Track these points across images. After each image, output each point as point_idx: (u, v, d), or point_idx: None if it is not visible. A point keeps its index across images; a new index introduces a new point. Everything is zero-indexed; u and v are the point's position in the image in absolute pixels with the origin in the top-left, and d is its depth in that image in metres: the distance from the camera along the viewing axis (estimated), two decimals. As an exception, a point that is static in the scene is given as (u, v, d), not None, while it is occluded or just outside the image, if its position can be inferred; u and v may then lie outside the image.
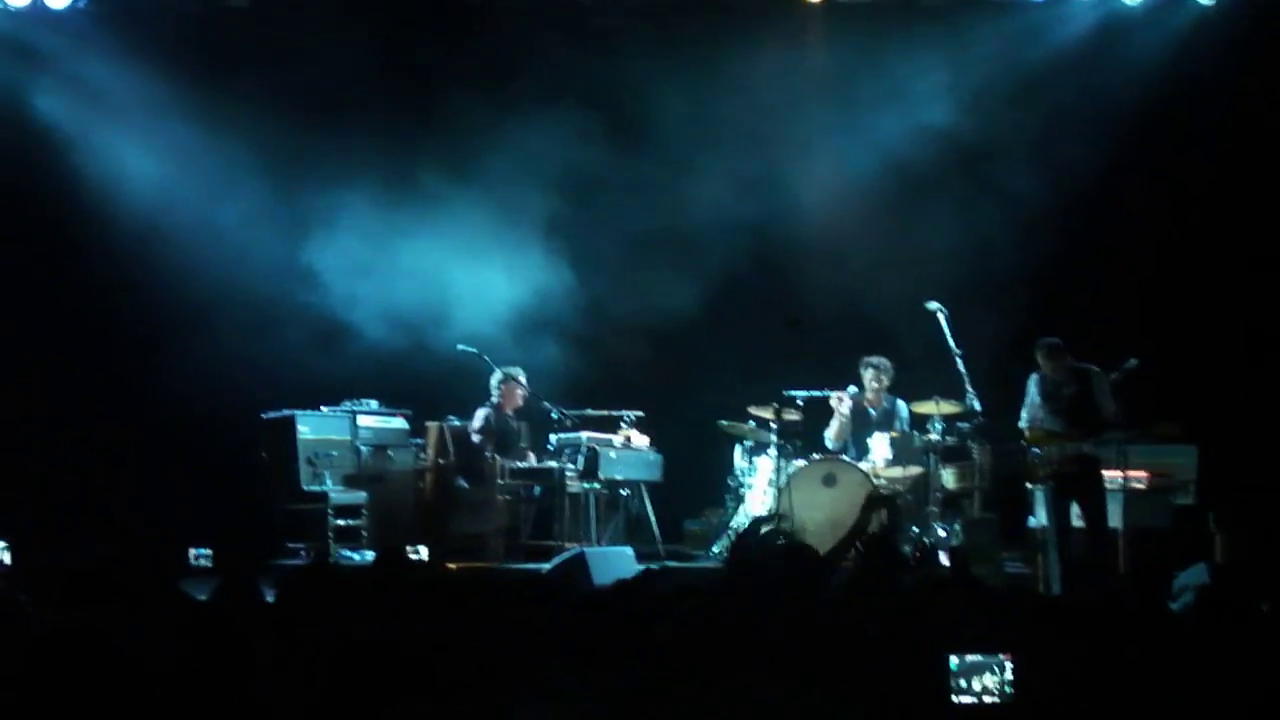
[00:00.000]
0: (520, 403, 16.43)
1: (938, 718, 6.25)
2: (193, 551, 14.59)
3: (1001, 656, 6.24)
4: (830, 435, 16.28)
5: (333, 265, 16.92)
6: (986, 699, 6.23)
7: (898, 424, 16.21)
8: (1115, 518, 14.50)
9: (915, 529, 15.44)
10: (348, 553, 15.40)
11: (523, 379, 16.34)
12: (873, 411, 16.29)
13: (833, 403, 16.23)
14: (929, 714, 6.23)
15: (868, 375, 16.22)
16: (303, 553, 15.42)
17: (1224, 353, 16.63)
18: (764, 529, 14.46)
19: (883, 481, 15.61)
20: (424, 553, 15.05)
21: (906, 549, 14.29)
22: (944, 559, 14.57)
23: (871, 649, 6.48)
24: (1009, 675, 6.23)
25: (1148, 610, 7.49)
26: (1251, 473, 15.80)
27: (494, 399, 16.35)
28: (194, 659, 6.58)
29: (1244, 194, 16.72)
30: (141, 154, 17.05)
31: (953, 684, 6.25)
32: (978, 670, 6.25)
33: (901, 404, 16.28)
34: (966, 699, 6.24)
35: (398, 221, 17.08)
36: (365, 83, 17.07)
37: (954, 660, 6.26)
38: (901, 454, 15.79)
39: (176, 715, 6.28)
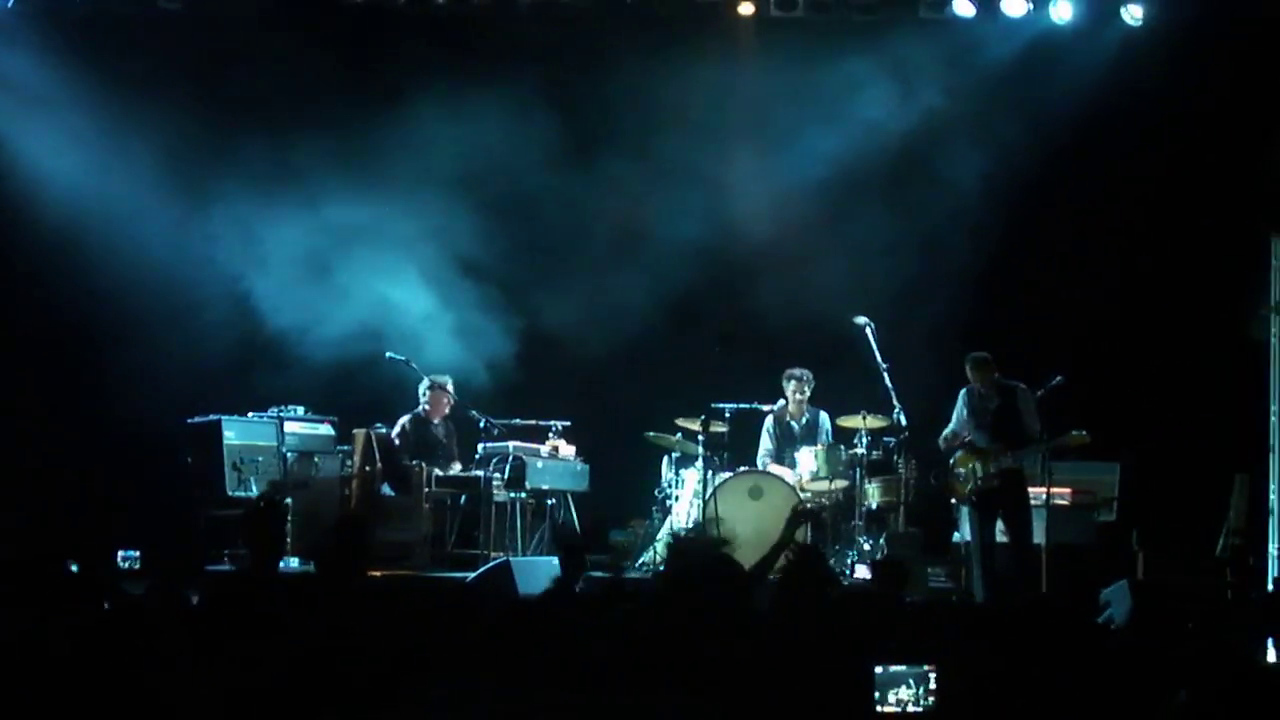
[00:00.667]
0: (447, 410, 16.37)
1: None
2: (120, 553, 14.50)
3: (925, 667, 6.28)
4: (761, 458, 16.32)
5: (261, 271, 16.86)
6: (910, 709, 6.28)
7: (822, 436, 16.27)
8: (1039, 534, 14.64)
9: (838, 544, 15.53)
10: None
11: (450, 387, 16.30)
12: (795, 425, 16.34)
13: (765, 426, 16.34)
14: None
15: (790, 387, 16.25)
16: (226, 558, 15.34)
17: (1147, 371, 16.77)
18: (700, 538, 14.52)
19: (808, 495, 15.66)
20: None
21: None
22: (866, 573, 14.66)
23: (797, 661, 6.51)
24: (932, 685, 6.28)
25: (1073, 624, 7.54)
26: (1173, 490, 15.95)
27: (421, 406, 16.30)
28: (113, 659, 6.55)
29: (1171, 212, 16.84)
30: (68, 156, 16.89)
31: (878, 694, 6.29)
32: (901, 681, 6.29)
33: (824, 415, 16.34)
34: (890, 709, 6.29)
35: (327, 230, 17.01)
36: (299, 88, 16.99)
37: (878, 670, 6.30)
38: (827, 467, 15.83)
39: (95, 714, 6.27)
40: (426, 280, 16.93)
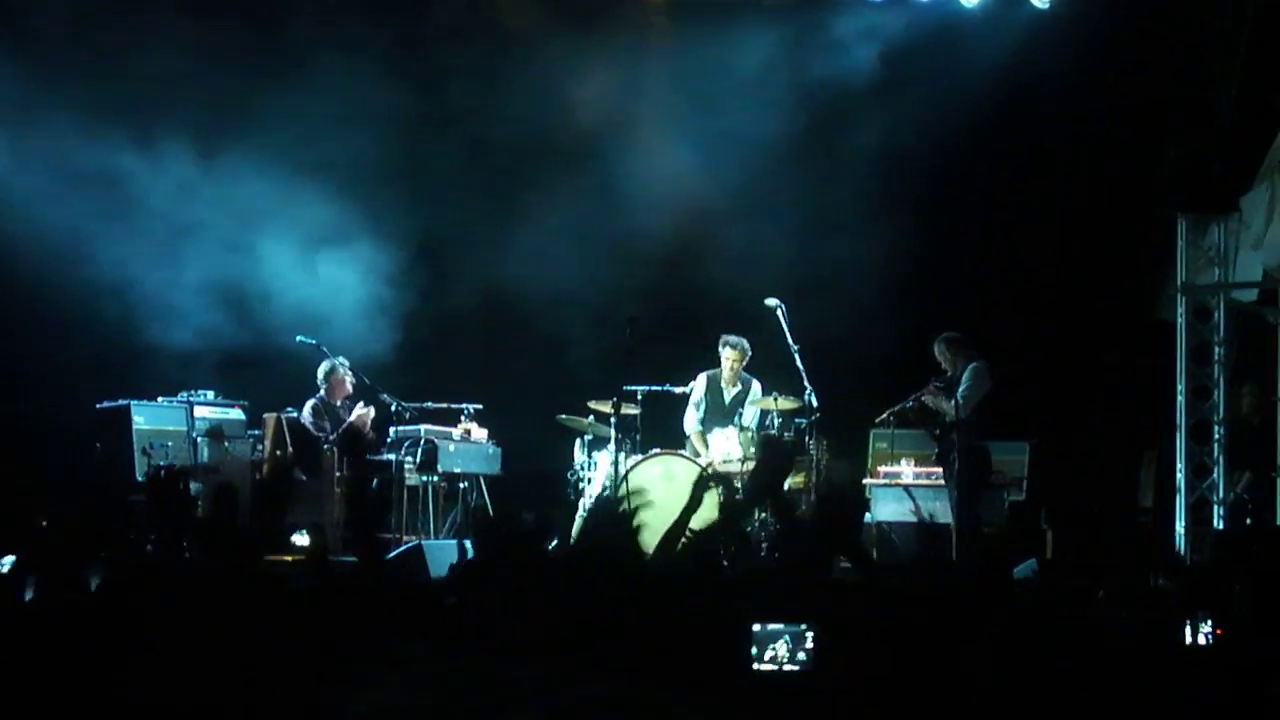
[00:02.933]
0: (350, 391, 16.26)
1: (738, 685, 6.32)
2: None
3: (803, 626, 6.33)
4: (687, 423, 16.34)
5: (170, 253, 16.75)
6: (786, 667, 6.32)
7: (752, 395, 16.20)
8: (947, 513, 14.77)
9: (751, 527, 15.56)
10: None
11: (347, 367, 16.18)
12: (726, 392, 16.30)
13: (695, 390, 16.34)
14: (729, 682, 6.30)
15: (725, 354, 16.21)
16: (149, 544, 15.19)
17: (1055, 350, 16.90)
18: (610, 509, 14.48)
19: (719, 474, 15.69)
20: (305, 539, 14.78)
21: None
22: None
23: (674, 621, 6.54)
24: (809, 644, 6.33)
25: (986, 595, 7.56)
26: (1081, 469, 16.10)
27: (322, 390, 16.21)
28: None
29: (1077, 195, 16.96)
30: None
31: (754, 651, 6.34)
32: (778, 637, 6.34)
33: (756, 385, 16.29)
34: (766, 666, 6.33)
35: (235, 210, 16.90)
36: (197, 65, 16.80)
37: (755, 628, 6.35)
38: (740, 449, 15.84)
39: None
40: (335, 263, 16.87)
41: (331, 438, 15.88)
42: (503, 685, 5.91)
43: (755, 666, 6.34)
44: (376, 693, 6.02)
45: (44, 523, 13.07)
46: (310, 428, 16.04)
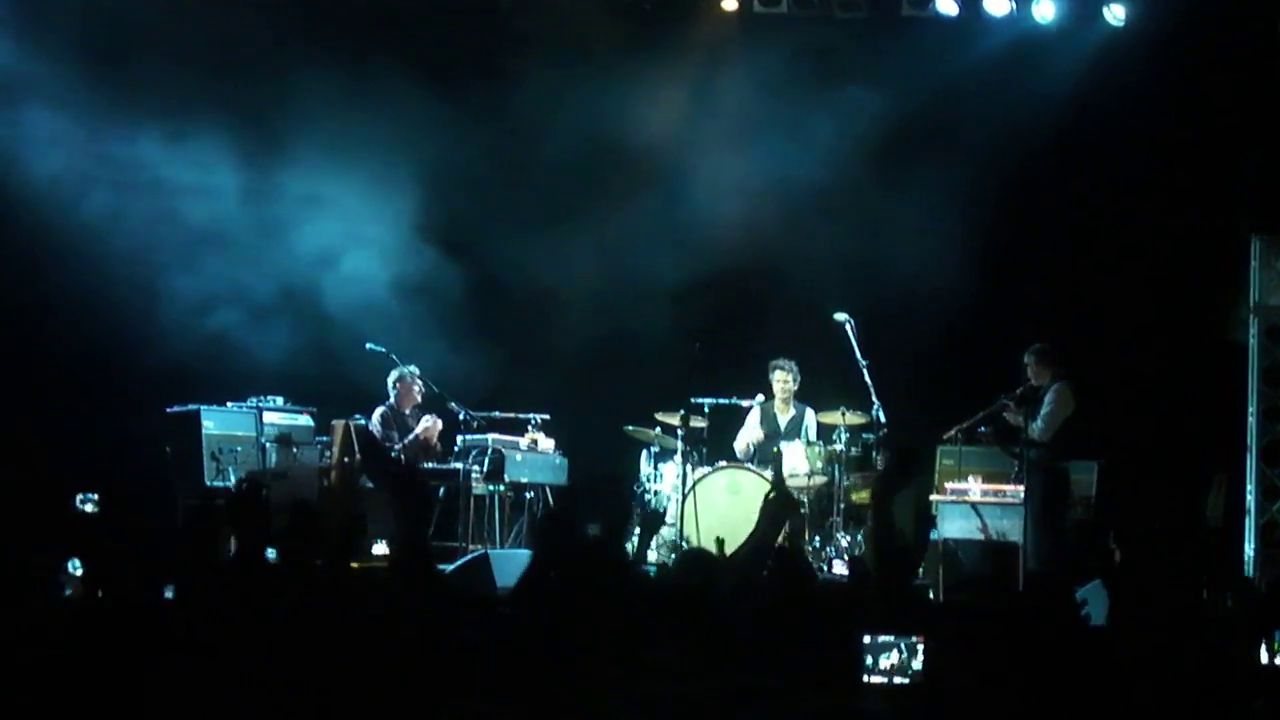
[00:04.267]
0: (419, 399, 16.28)
1: (849, 697, 6.28)
2: (79, 496, 14.34)
3: (915, 639, 6.29)
4: (739, 446, 16.31)
5: (242, 259, 16.82)
6: (896, 679, 6.28)
7: (805, 434, 16.23)
8: (1015, 532, 14.69)
9: (818, 539, 15.52)
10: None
11: (418, 376, 16.21)
12: (781, 419, 16.32)
13: (749, 419, 16.31)
14: (839, 693, 6.26)
15: (776, 377, 16.24)
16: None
17: (1126, 370, 16.78)
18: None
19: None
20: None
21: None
22: (843, 569, 14.66)
23: (783, 633, 6.53)
24: (920, 658, 6.28)
25: (1057, 615, 7.53)
26: (1150, 490, 15.98)
27: (391, 398, 16.25)
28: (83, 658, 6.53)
29: (1152, 212, 16.85)
30: (40, 140, 16.72)
31: (865, 663, 6.30)
32: (888, 650, 6.30)
33: (810, 412, 16.32)
34: (877, 678, 6.30)
35: (307, 216, 16.97)
36: (281, 71, 16.88)
37: (865, 639, 6.31)
38: (807, 464, 15.81)
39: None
40: (406, 271, 16.91)
41: (399, 446, 15.92)
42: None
43: (866, 679, 6.30)
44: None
45: (111, 525, 13.13)
46: (380, 431, 16.07)
